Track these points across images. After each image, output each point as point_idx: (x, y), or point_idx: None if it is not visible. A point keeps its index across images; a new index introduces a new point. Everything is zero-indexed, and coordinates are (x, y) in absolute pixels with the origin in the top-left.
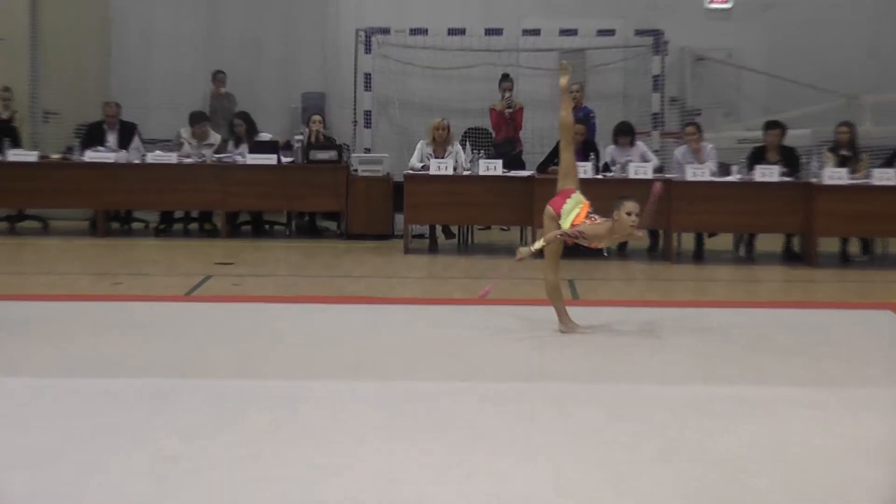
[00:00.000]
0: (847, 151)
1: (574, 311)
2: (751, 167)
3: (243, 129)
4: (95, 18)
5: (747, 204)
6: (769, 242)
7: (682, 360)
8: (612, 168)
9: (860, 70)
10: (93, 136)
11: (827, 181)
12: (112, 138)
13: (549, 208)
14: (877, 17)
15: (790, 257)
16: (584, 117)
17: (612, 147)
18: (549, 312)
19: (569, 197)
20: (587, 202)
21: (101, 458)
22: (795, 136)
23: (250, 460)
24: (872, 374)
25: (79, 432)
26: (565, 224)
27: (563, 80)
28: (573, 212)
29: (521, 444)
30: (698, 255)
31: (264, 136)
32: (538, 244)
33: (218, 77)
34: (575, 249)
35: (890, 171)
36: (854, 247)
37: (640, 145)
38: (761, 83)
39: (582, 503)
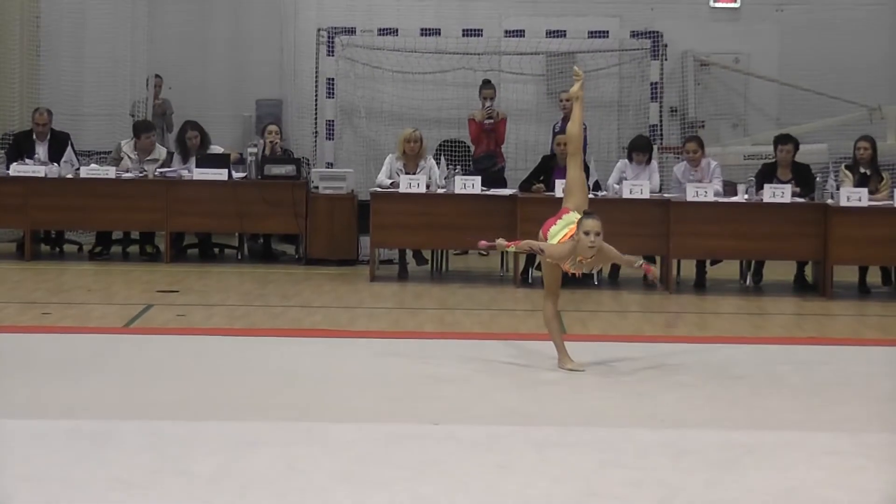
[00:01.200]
0: (867, 169)
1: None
2: (759, 186)
3: (197, 142)
4: (22, 14)
5: (755, 227)
6: (779, 270)
7: (682, 402)
8: (607, 187)
9: (882, 78)
10: (20, 147)
11: (844, 202)
12: (42, 150)
13: (540, 234)
14: None
15: (803, 287)
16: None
17: (623, 162)
18: (533, 347)
19: (560, 217)
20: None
21: None
22: (810, 152)
23: None
24: (894, 418)
25: (2, 481)
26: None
27: (576, 88)
28: (559, 234)
29: (499, 496)
30: (700, 284)
31: (216, 149)
32: (511, 248)
33: (154, 81)
34: (567, 277)
35: None
36: (874, 276)
37: (654, 163)
38: (772, 92)
39: None
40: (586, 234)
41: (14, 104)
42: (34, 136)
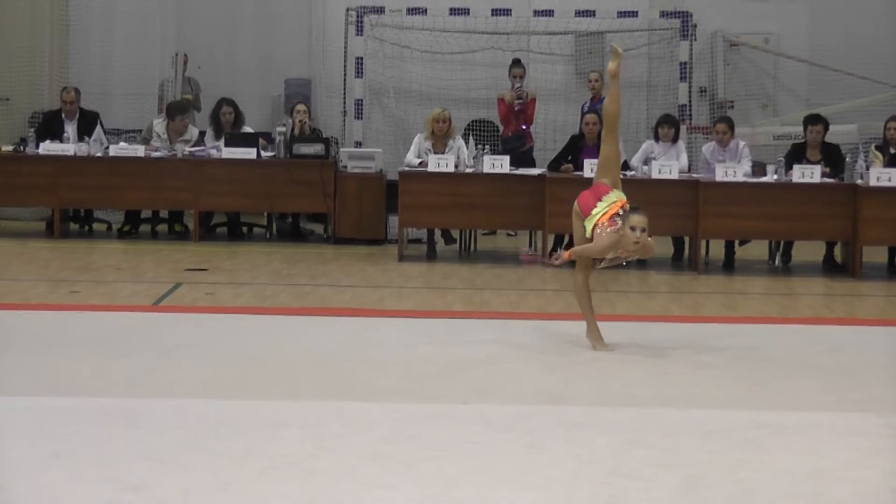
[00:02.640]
0: None
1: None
2: (789, 167)
3: (231, 118)
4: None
5: (784, 208)
6: (809, 251)
7: (709, 383)
8: (634, 166)
9: None
10: (49, 126)
11: (874, 183)
12: (71, 129)
13: (576, 205)
14: None
15: (832, 268)
16: (602, 109)
17: (649, 143)
18: (562, 327)
19: (601, 198)
20: (621, 199)
21: (54, 487)
22: (840, 133)
23: (224, 492)
24: None
25: (29, 458)
26: (589, 226)
27: (613, 65)
28: (600, 213)
29: (526, 476)
30: (729, 265)
31: (245, 129)
32: (570, 257)
33: (179, 59)
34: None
35: None
36: None
37: (681, 143)
38: (802, 72)
39: None
40: (633, 229)
41: (44, 83)
42: (62, 115)
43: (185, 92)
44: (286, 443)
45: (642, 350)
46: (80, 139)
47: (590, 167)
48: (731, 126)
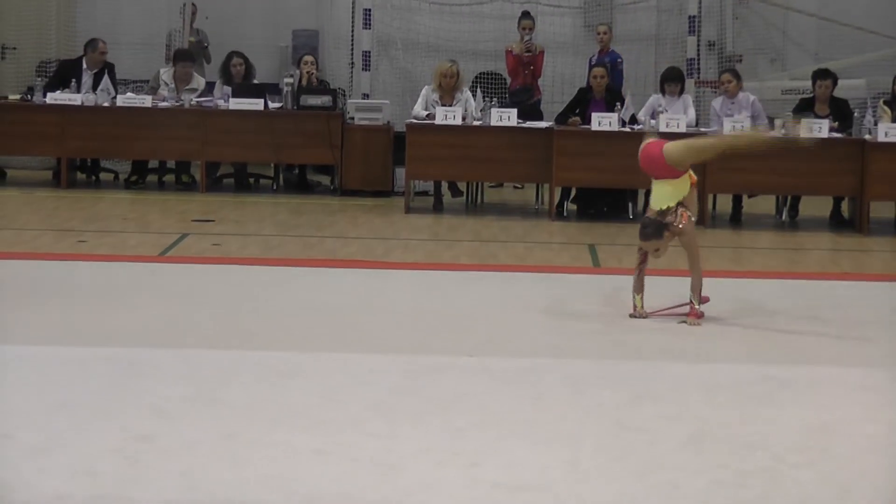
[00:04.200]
0: None
1: (594, 280)
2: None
3: (241, 69)
4: None
5: (792, 163)
6: (816, 206)
7: (716, 337)
8: (641, 120)
9: None
10: (67, 74)
11: (882, 138)
12: (88, 80)
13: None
14: None
15: (839, 223)
16: (610, 63)
17: (656, 96)
18: (568, 280)
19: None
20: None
21: (61, 434)
22: (848, 87)
23: (231, 442)
24: None
25: (39, 406)
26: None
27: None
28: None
29: (532, 428)
30: (736, 219)
31: (287, 80)
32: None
33: (187, 9)
34: (598, 213)
35: None
36: None
37: (688, 96)
38: (811, 27)
39: (600, 494)
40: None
41: (51, 33)
42: (84, 65)
43: (192, 40)
44: (293, 393)
45: (649, 304)
46: (96, 88)
47: (597, 120)
48: (737, 76)
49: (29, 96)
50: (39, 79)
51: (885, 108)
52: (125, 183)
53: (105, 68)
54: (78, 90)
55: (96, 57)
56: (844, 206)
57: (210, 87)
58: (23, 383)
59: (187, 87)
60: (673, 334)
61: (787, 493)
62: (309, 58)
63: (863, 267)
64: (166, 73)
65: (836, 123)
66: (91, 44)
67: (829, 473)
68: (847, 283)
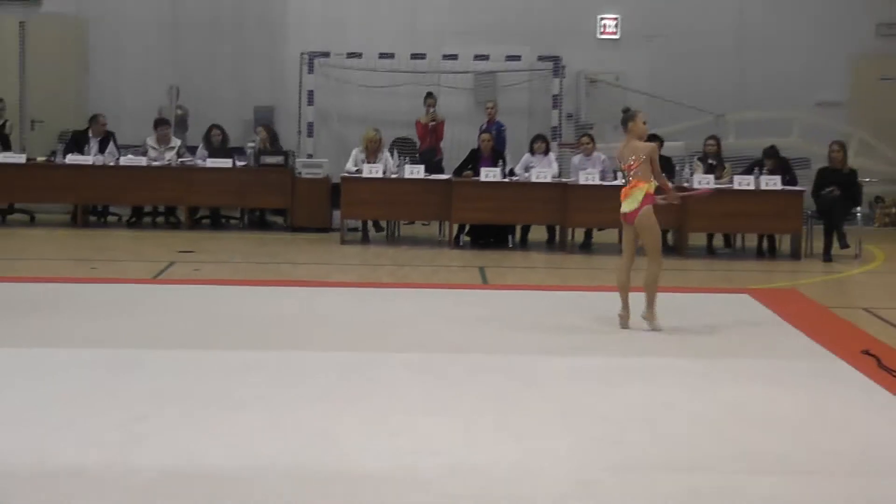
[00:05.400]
0: (713, 161)
1: (485, 293)
2: None
3: (220, 138)
4: (76, 42)
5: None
6: None
7: (579, 335)
8: (518, 173)
9: (726, 92)
10: (78, 141)
11: (697, 186)
12: (95, 145)
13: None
14: (742, 50)
15: (664, 249)
16: (496, 130)
17: (528, 155)
18: (464, 293)
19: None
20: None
21: (75, 416)
22: (671, 147)
23: (207, 420)
24: (736, 348)
25: (51, 398)
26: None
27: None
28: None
29: (440, 407)
30: (587, 246)
31: (250, 145)
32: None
33: (173, 90)
34: (486, 243)
35: (749, 177)
36: (718, 241)
37: (552, 154)
38: (644, 102)
39: (490, 456)
40: (644, 123)
41: (69, 109)
42: (90, 134)
43: (178, 113)
44: (255, 383)
45: (527, 310)
46: (100, 153)
47: (485, 173)
48: (593, 139)
49: (52, 158)
50: (60, 144)
51: (699, 163)
52: (126, 223)
53: (107, 136)
54: (88, 153)
55: (98, 128)
56: (669, 236)
57: (192, 149)
58: (41, 379)
59: (168, 147)
60: (544, 332)
61: (629, 453)
62: (260, 129)
63: (687, 281)
64: (151, 139)
65: (664, 174)
66: (94, 118)
67: (661, 437)
68: (681, 294)
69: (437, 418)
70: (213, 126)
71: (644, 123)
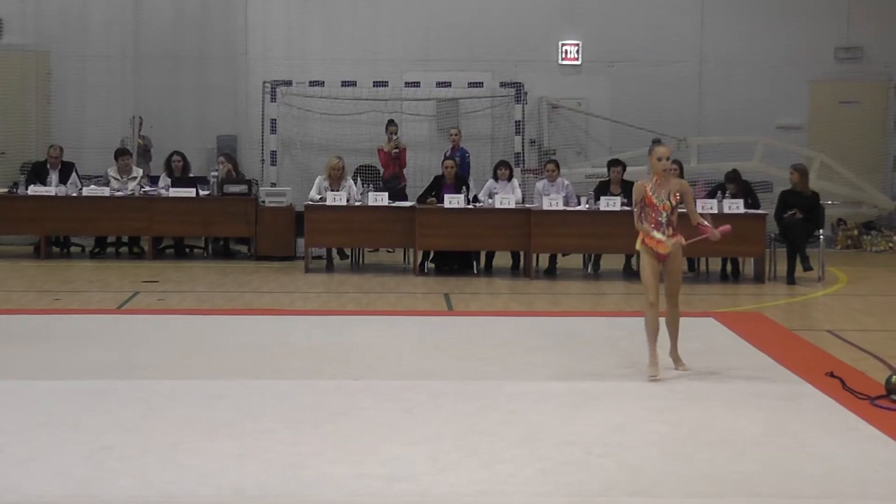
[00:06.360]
0: None
1: (449, 320)
2: (597, 198)
3: (180, 165)
4: (38, 74)
5: (594, 229)
6: (613, 261)
7: (541, 360)
8: (481, 199)
9: (687, 117)
10: (38, 173)
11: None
12: (54, 175)
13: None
14: (703, 75)
15: (630, 274)
16: (459, 157)
17: (491, 181)
18: (429, 320)
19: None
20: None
21: (42, 447)
22: (634, 172)
23: (174, 449)
24: (701, 371)
25: (22, 427)
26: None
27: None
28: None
29: (403, 433)
30: (551, 271)
31: (213, 173)
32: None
33: (135, 121)
34: (451, 270)
35: (712, 201)
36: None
37: (515, 181)
38: (606, 128)
39: (454, 482)
40: (658, 160)
41: (31, 140)
42: (48, 165)
43: (140, 142)
44: (220, 411)
45: (491, 337)
46: (61, 183)
47: (448, 200)
48: (557, 165)
49: (15, 189)
50: (23, 175)
51: None
52: (90, 254)
53: (65, 166)
54: (49, 184)
55: (52, 160)
56: (633, 261)
57: (154, 179)
58: (11, 409)
59: (130, 177)
60: (510, 357)
61: (594, 477)
62: (222, 158)
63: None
64: (112, 170)
65: (627, 200)
66: (49, 149)
67: (625, 460)
68: (638, 318)
69: (402, 445)
70: (174, 153)
71: (658, 160)
